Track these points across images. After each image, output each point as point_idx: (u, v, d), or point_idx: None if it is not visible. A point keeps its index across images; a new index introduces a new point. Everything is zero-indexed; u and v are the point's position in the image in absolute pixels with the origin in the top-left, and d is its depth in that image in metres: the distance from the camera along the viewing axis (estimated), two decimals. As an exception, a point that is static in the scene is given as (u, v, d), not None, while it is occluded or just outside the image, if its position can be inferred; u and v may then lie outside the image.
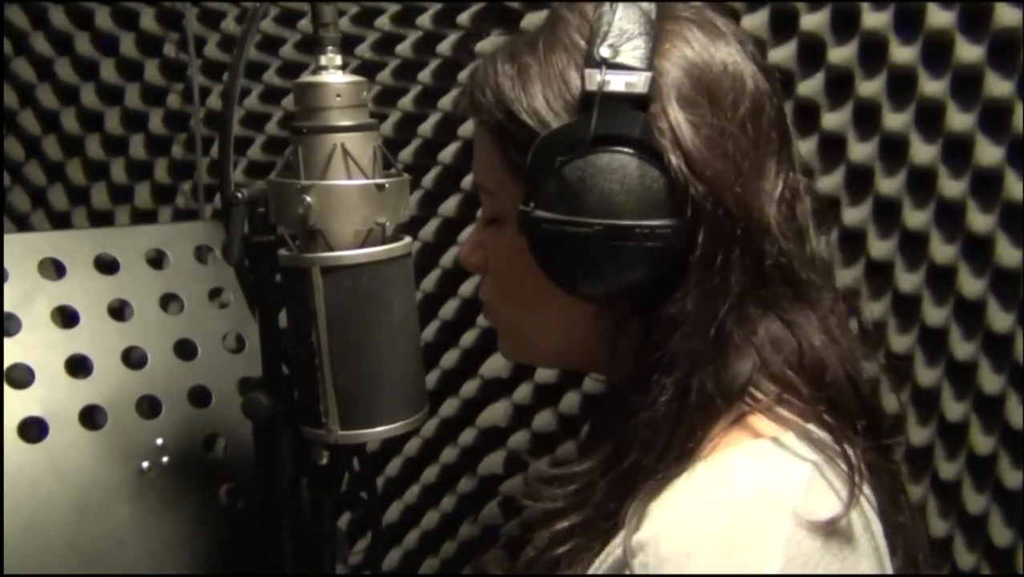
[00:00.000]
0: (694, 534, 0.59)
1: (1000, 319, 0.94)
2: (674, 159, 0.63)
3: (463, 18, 1.11)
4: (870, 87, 0.96)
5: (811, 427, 0.65)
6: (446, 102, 1.14)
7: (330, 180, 0.77)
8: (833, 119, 0.98)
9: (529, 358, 0.88)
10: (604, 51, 0.64)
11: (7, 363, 0.91)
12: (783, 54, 0.99)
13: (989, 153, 0.92)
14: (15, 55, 1.33)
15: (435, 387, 1.19)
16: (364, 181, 0.78)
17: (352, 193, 0.78)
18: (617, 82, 0.63)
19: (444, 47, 1.13)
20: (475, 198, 1.10)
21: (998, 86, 0.91)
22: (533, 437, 1.16)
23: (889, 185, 0.97)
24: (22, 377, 0.91)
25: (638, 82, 0.63)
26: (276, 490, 0.85)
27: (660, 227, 0.63)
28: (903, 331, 1.00)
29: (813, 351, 0.68)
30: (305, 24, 1.22)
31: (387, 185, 0.79)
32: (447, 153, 1.15)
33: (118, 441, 0.94)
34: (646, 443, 0.65)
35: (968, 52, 0.91)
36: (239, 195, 0.80)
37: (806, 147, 0.99)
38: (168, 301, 1.03)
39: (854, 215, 0.99)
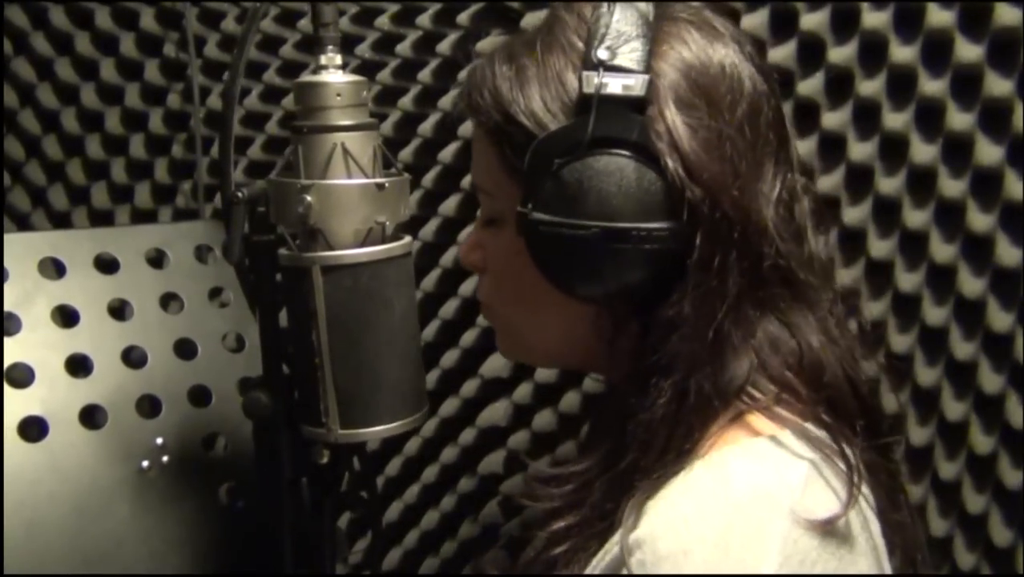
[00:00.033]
0: (691, 532, 0.59)
1: (1000, 319, 0.94)
2: (671, 162, 0.63)
3: (463, 18, 1.11)
4: (870, 87, 0.96)
5: (809, 426, 0.65)
6: (446, 102, 1.14)
7: (330, 179, 0.77)
8: (833, 119, 0.98)
9: (527, 358, 0.88)
10: (602, 53, 0.64)
11: (7, 363, 0.91)
12: (783, 54, 0.99)
13: (989, 153, 0.92)
14: (15, 55, 1.33)
15: (435, 387, 1.19)
16: (364, 180, 0.78)
17: (352, 192, 0.78)
18: (614, 85, 0.63)
19: (444, 47, 1.13)
20: (475, 198, 1.09)
21: (998, 86, 0.91)
22: (533, 437, 1.16)
23: (889, 185, 0.97)
24: (22, 377, 0.91)
25: (635, 85, 0.63)
26: (276, 490, 0.86)
27: (657, 229, 0.63)
28: (903, 331, 1.00)
29: (811, 352, 0.68)
30: (305, 24, 1.22)
31: (387, 184, 0.79)
32: (447, 153, 1.15)
33: (118, 441, 0.94)
34: (644, 444, 0.65)
35: (968, 52, 0.91)
36: (239, 195, 0.80)
37: (806, 147, 0.99)
38: (168, 301, 1.03)
39: (854, 215, 0.99)
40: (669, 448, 0.64)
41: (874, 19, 0.95)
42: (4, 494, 0.86)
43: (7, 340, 0.92)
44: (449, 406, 1.20)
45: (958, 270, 0.95)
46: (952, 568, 1.01)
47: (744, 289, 0.65)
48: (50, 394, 0.92)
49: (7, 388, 0.90)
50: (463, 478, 1.21)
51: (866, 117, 0.97)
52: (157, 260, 1.06)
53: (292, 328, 0.81)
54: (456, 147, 1.14)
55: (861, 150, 0.98)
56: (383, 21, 1.17)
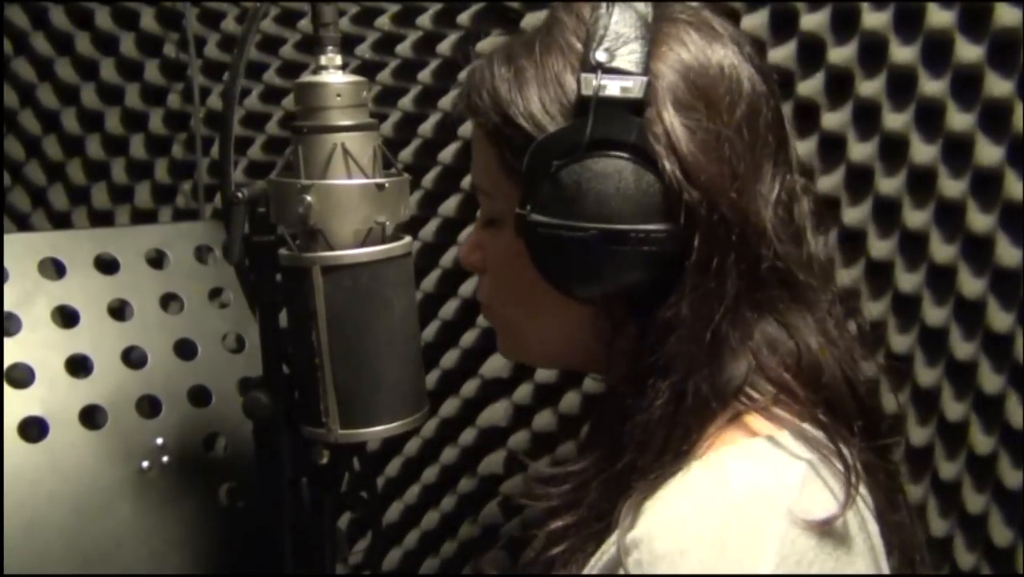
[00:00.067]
0: (688, 532, 0.59)
1: (1000, 319, 0.94)
2: (668, 164, 0.63)
3: (463, 18, 1.11)
4: (870, 87, 0.96)
5: (807, 426, 0.65)
6: (446, 102, 1.14)
7: (330, 180, 0.78)
8: (833, 119, 0.98)
9: (527, 358, 0.88)
10: (600, 55, 0.64)
11: (7, 363, 0.91)
12: (783, 54, 0.99)
13: (989, 153, 0.92)
14: (15, 55, 1.33)
15: (435, 387, 1.19)
16: (364, 181, 0.78)
17: (352, 193, 0.78)
18: (613, 87, 0.63)
19: (444, 47, 1.13)
20: (475, 199, 1.09)
21: (998, 86, 0.91)
22: (533, 437, 1.16)
23: (889, 185, 0.97)
24: (22, 377, 0.92)
25: (633, 87, 0.63)
26: (276, 490, 0.86)
27: (655, 231, 0.63)
28: (903, 331, 1.00)
29: (810, 353, 0.68)
30: (305, 24, 1.22)
31: (387, 185, 0.79)
32: (447, 153, 1.15)
33: (118, 441, 0.94)
34: (641, 444, 0.65)
35: (968, 52, 0.91)
36: (239, 195, 0.80)
37: (806, 147, 0.99)
38: (168, 301, 1.03)
39: (854, 215, 0.99)
40: (666, 449, 0.64)
41: (874, 19, 0.95)
42: (4, 494, 0.86)
43: (7, 340, 0.92)
44: (449, 406, 1.20)
45: (958, 270, 0.95)
46: (952, 568, 1.01)
47: (742, 291, 0.65)
48: (50, 394, 0.92)
49: (7, 388, 0.90)
50: (463, 478, 1.21)
51: (866, 117, 0.97)
52: (157, 260, 1.06)
53: (292, 328, 0.81)
54: (456, 147, 1.14)
55: (861, 150, 0.98)
56: (383, 21, 1.17)
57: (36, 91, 1.34)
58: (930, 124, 0.95)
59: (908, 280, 0.98)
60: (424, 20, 1.14)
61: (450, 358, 1.19)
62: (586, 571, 0.66)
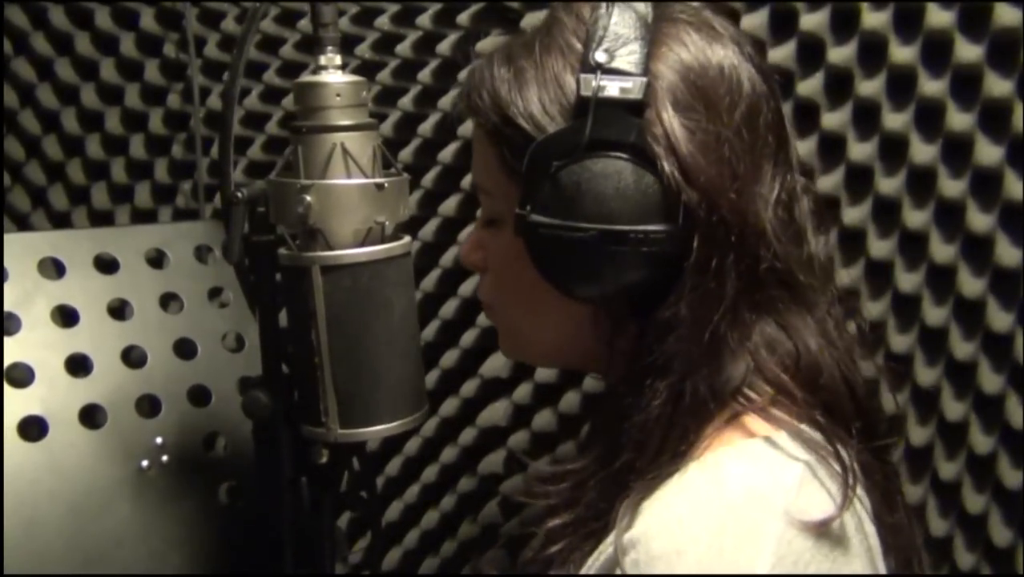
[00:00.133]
0: (685, 532, 0.59)
1: (1000, 319, 0.94)
2: (667, 165, 0.63)
3: (463, 18, 1.11)
4: (870, 87, 0.96)
5: (804, 427, 0.65)
6: (446, 102, 1.14)
7: (330, 179, 0.78)
8: (833, 119, 0.98)
9: (528, 357, 0.88)
10: (600, 56, 0.64)
11: (7, 362, 0.91)
12: (783, 54, 0.99)
13: (989, 153, 0.92)
14: (15, 55, 1.33)
15: (435, 387, 1.19)
16: (364, 180, 0.78)
17: (352, 192, 0.78)
18: (612, 88, 0.63)
19: (444, 47, 1.13)
20: (475, 198, 1.09)
21: (998, 86, 0.91)
22: (533, 437, 1.16)
23: (889, 185, 0.97)
24: (22, 376, 0.92)
25: (633, 87, 0.63)
26: (276, 489, 0.86)
27: (655, 232, 0.63)
28: (903, 331, 1.00)
29: (808, 354, 0.68)
30: (305, 24, 1.22)
31: (387, 184, 0.79)
32: (447, 153, 1.15)
33: (118, 440, 0.94)
34: (639, 445, 0.65)
35: (968, 52, 0.91)
36: (239, 195, 0.80)
37: (806, 147, 0.99)
38: (168, 301, 1.03)
39: (854, 215, 0.99)
40: (664, 449, 0.64)
41: (874, 19, 0.95)
42: (4, 494, 0.86)
43: (7, 340, 0.92)
44: (449, 406, 1.20)
45: (958, 270, 0.95)
46: (952, 568, 1.01)
47: (741, 291, 0.65)
48: (50, 394, 0.92)
49: (7, 388, 0.90)
50: (463, 478, 1.21)
51: (866, 117, 0.97)
52: (157, 260, 1.06)
53: (292, 328, 0.82)
54: (456, 147, 1.14)
55: (861, 150, 0.98)
56: (383, 21, 1.17)
57: (36, 91, 1.34)
58: (930, 124, 0.95)
59: (908, 280, 0.98)
60: (424, 20, 1.14)
61: (450, 358, 1.19)
62: (584, 570, 0.66)
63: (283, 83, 1.24)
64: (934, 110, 0.94)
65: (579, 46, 0.67)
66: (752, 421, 0.65)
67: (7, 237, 0.96)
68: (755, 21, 0.99)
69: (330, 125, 0.78)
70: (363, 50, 1.19)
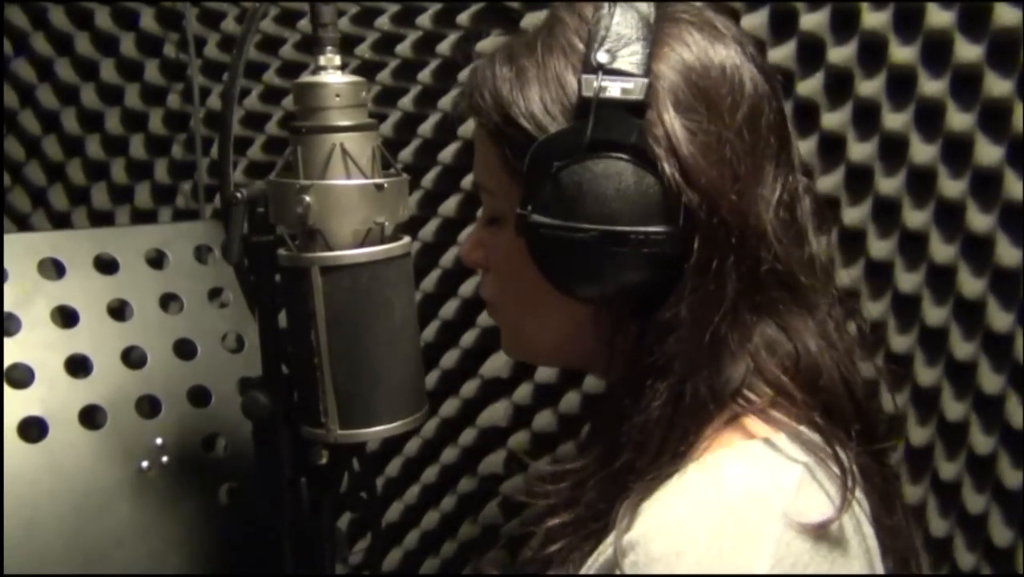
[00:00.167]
0: (684, 533, 0.59)
1: (1000, 319, 0.94)
2: (668, 167, 0.63)
3: (463, 18, 1.11)
4: (870, 87, 0.96)
5: (803, 429, 0.65)
6: (446, 102, 1.14)
7: (329, 180, 0.77)
8: (833, 119, 0.98)
9: (528, 356, 0.88)
10: (601, 56, 0.64)
11: (7, 363, 0.91)
12: (783, 54, 0.99)
13: (989, 153, 0.92)
14: (15, 55, 1.33)
15: (435, 387, 1.19)
16: (363, 181, 0.78)
17: (351, 193, 0.78)
18: (613, 88, 0.63)
19: (444, 47, 1.13)
20: (475, 198, 1.10)
21: (998, 86, 0.91)
22: (533, 437, 1.16)
23: (889, 185, 0.97)
24: (22, 377, 0.92)
25: (634, 88, 0.63)
26: (276, 490, 0.86)
27: (655, 233, 0.63)
28: (903, 331, 1.00)
29: (808, 356, 0.68)
30: (305, 24, 1.22)
31: (386, 185, 0.79)
32: (447, 153, 1.15)
33: (118, 441, 0.94)
34: (639, 445, 0.65)
35: (968, 52, 0.91)
36: (239, 195, 0.80)
37: (806, 147, 0.99)
38: (168, 301, 1.03)
39: (854, 215, 0.99)
40: (664, 450, 0.64)
41: (874, 19, 0.95)
42: (4, 494, 0.86)
43: (7, 340, 0.92)
44: (449, 406, 1.20)
45: (958, 270, 0.95)
46: (952, 568, 1.01)
47: (741, 293, 0.65)
48: (50, 394, 0.92)
49: (7, 388, 0.90)
50: (463, 478, 1.21)
51: (866, 117, 0.97)
52: (157, 260, 1.06)
53: (291, 328, 0.81)
54: (456, 147, 1.14)
55: (861, 150, 0.98)
56: (383, 21, 1.17)
57: (36, 91, 1.34)
58: (930, 124, 0.95)
59: (908, 280, 0.98)
60: (424, 20, 1.14)
61: (450, 358, 1.19)
62: (583, 571, 0.66)
63: (283, 83, 1.24)
64: (934, 110, 0.94)
65: (581, 46, 0.67)
66: (751, 423, 0.65)
67: (7, 237, 0.96)
68: (755, 21, 0.99)
69: (330, 125, 0.78)
70: (363, 50, 1.19)
